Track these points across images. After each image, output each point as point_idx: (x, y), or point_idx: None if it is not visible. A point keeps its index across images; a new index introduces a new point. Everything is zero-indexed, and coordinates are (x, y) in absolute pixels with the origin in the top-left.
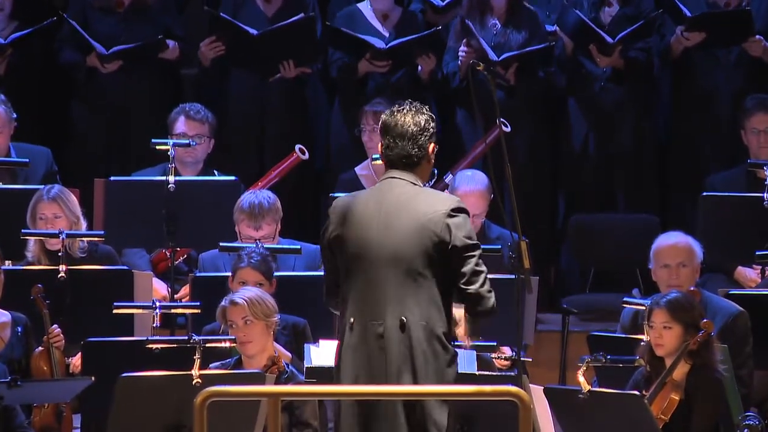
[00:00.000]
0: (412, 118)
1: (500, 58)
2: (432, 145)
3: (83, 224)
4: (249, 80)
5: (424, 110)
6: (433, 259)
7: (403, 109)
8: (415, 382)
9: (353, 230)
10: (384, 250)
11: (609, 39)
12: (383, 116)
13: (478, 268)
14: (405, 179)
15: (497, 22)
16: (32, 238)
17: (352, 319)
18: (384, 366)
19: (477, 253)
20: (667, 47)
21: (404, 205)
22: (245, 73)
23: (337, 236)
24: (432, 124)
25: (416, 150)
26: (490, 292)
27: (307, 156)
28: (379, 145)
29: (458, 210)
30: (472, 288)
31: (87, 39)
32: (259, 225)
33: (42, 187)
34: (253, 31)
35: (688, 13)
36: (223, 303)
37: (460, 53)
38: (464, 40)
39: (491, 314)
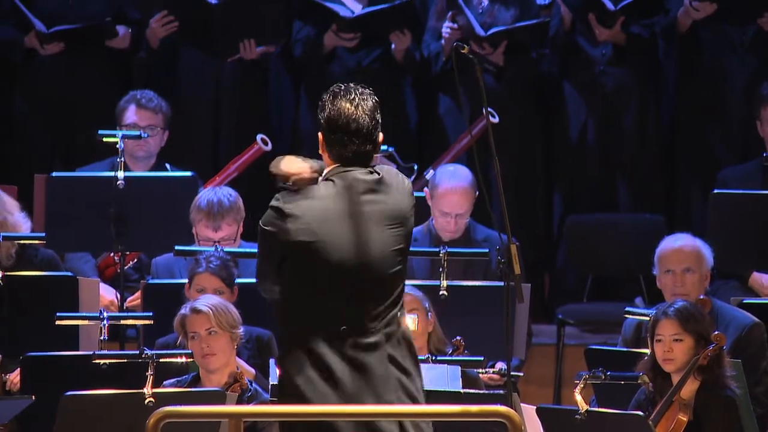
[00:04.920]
0: (363, 110)
1: (488, 33)
2: (381, 135)
3: (24, 226)
4: (203, 63)
5: (368, 92)
6: (403, 264)
7: (348, 96)
8: (407, 393)
9: (324, 239)
10: (360, 260)
11: (610, 5)
12: (326, 105)
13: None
14: (365, 177)
15: None
16: None
17: (323, 335)
18: (364, 385)
19: None
20: (672, 22)
21: (374, 210)
22: (198, 56)
23: (302, 243)
24: (378, 109)
25: (372, 147)
26: None
27: (270, 147)
28: (320, 136)
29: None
30: None
31: (26, 14)
32: (218, 225)
33: None
34: (213, 0)
35: None
36: (182, 311)
37: (444, 31)
38: (449, 14)
39: None
